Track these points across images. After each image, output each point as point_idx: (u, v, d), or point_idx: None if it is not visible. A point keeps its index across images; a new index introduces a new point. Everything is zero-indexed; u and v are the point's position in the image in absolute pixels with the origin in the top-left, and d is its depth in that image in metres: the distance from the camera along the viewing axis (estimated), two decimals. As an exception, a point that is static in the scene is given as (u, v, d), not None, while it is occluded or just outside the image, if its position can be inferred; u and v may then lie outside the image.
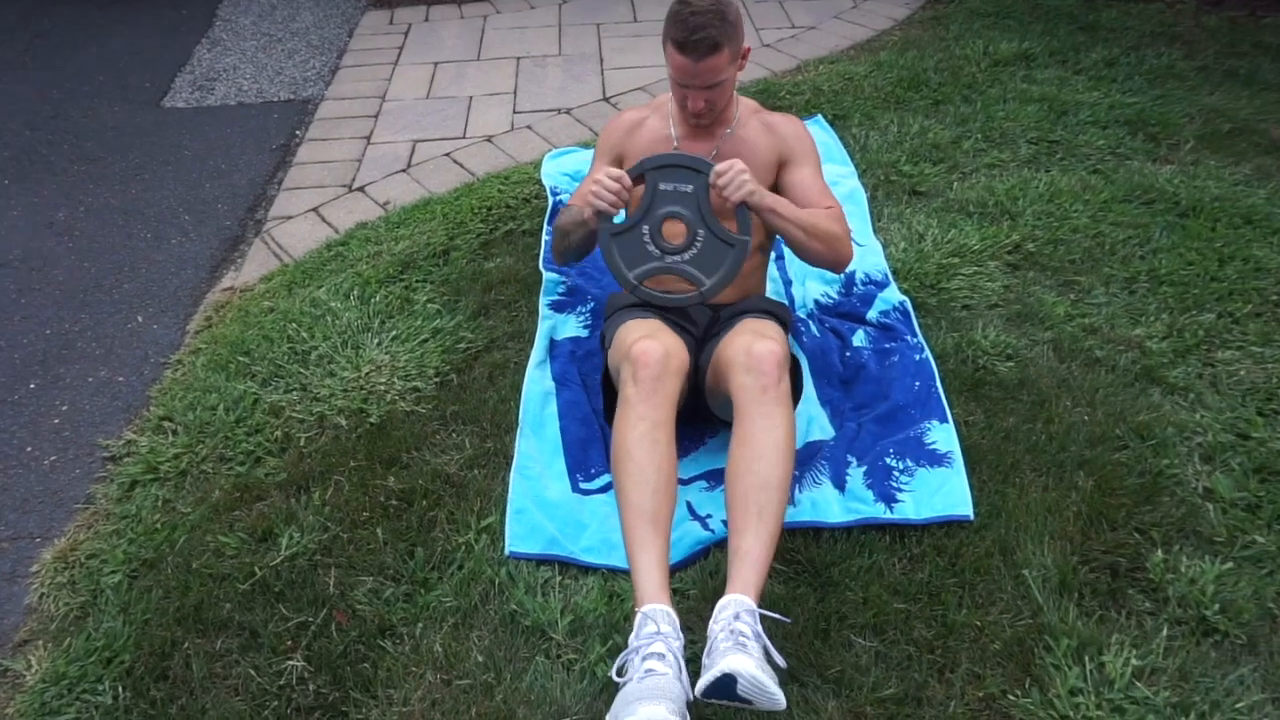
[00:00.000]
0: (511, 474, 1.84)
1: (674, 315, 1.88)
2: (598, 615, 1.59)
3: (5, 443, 2.09)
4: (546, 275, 2.38)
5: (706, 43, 1.67)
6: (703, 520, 1.76)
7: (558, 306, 2.29)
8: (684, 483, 1.85)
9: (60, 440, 2.09)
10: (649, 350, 1.59)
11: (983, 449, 1.86)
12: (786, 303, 2.29)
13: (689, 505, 1.79)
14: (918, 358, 2.07)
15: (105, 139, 3.33)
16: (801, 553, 1.68)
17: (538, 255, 2.48)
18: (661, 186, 1.71)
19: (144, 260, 2.69)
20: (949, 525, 1.71)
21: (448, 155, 3.10)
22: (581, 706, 1.46)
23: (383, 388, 2.08)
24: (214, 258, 2.70)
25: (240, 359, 2.19)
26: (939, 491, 1.76)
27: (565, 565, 1.69)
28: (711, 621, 1.36)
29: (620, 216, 1.78)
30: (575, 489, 1.84)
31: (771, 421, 1.54)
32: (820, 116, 3.07)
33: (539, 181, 2.84)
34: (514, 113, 3.35)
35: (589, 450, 1.91)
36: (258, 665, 1.54)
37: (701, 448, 1.93)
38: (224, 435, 1.99)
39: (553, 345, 2.17)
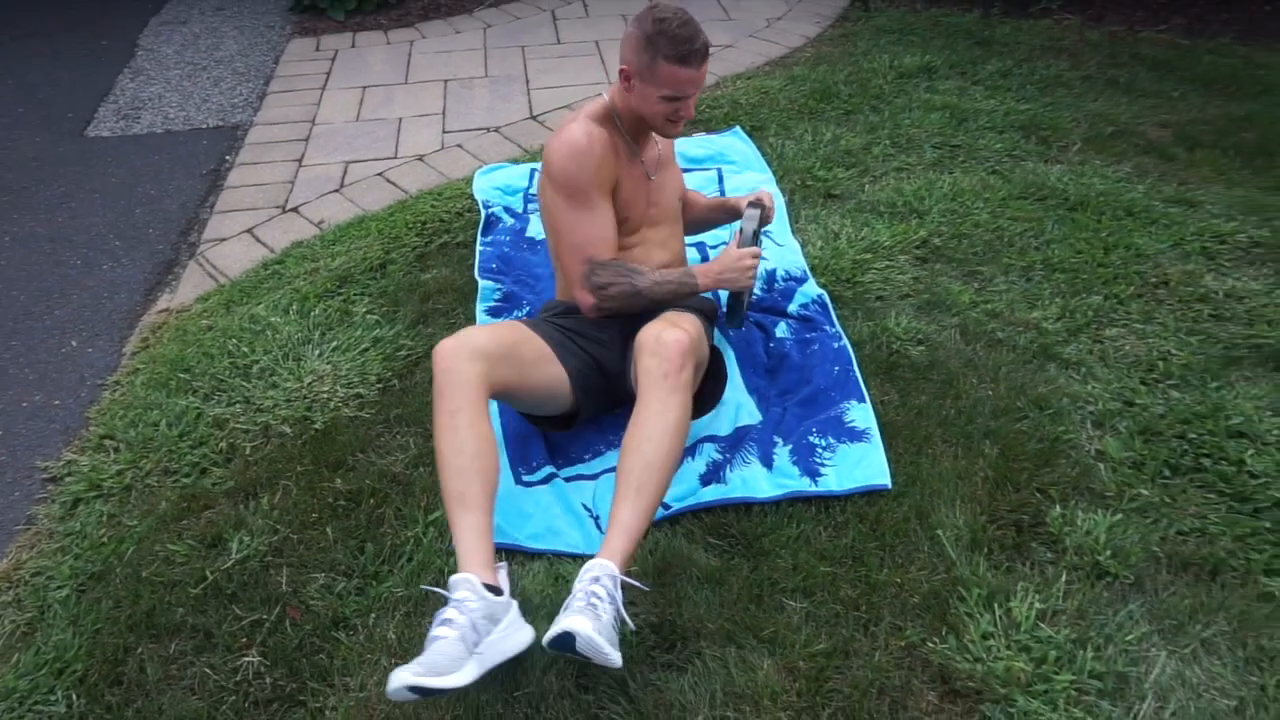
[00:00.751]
0: (456, 470, 1.91)
1: (588, 328, 1.95)
2: (544, 596, 1.67)
3: (-62, 470, 2.08)
4: (482, 283, 2.46)
5: (704, 48, 1.77)
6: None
7: (494, 313, 2.37)
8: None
9: (-4, 465, 2.08)
10: (441, 346, 1.64)
11: (898, 425, 2.01)
12: (714, 297, 2.41)
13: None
14: (836, 345, 2.21)
15: (28, 169, 3.30)
16: (734, 526, 1.79)
17: (473, 265, 2.57)
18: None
19: (75, 286, 2.68)
20: (869, 494, 1.84)
21: (380, 175, 3.16)
22: (532, 681, 1.53)
23: (326, 395, 2.13)
24: (147, 281, 2.71)
25: (181, 376, 2.21)
26: (859, 464, 1.89)
27: (511, 552, 1.77)
28: (575, 580, 1.48)
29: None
30: (518, 481, 1.92)
31: (665, 406, 1.64)
32: (739, 127, 3.23)
33: (471, 196, 2.92)
34: (444, 132, 3.44)
35: (529, 445, 1.99)
36: (213, 664, 1.57)
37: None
38: (168, 449, 2.01)
39: (491, 349, 2.24)
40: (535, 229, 2.73)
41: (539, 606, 1.65)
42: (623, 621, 1.47)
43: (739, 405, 2.07)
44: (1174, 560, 1.71)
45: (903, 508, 1.81)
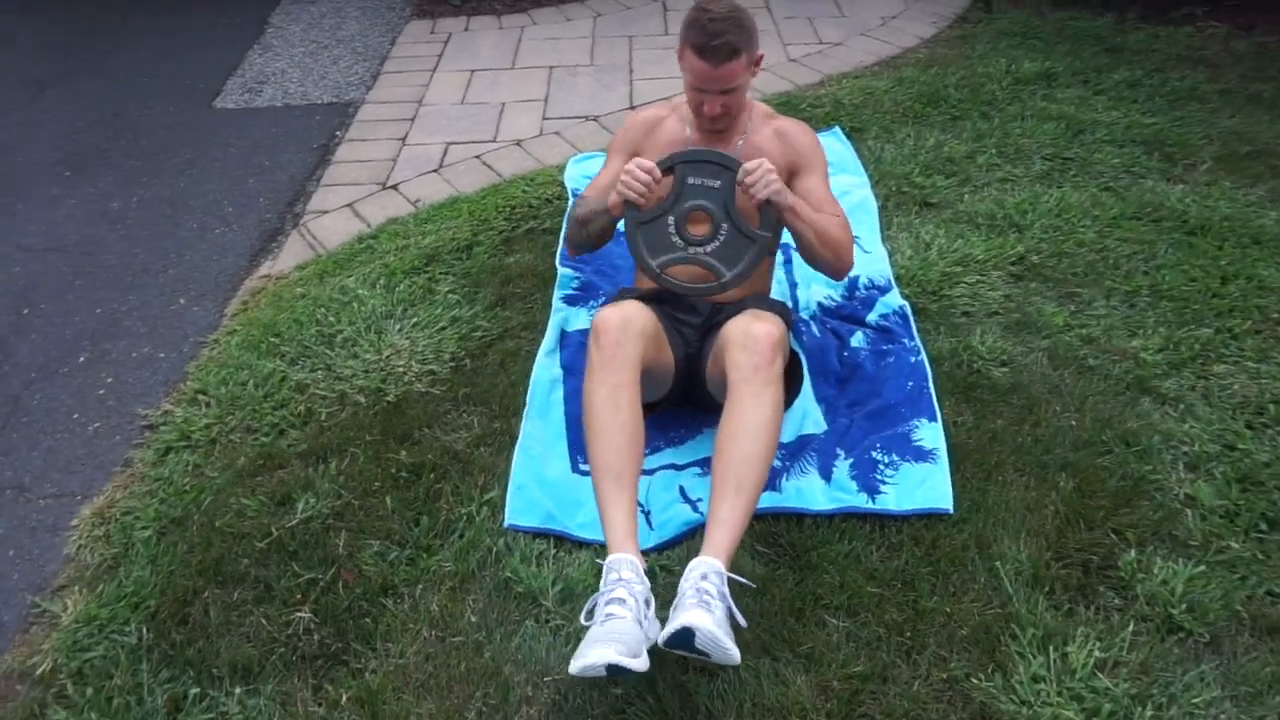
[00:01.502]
0: (515, 452, 1.95)
1: (677, 309, 1.97)
2: (587, 586, 1.69)
3: (55, 410, 2.25)
4: (561, 270, 2.49)
5: (726, 48, 1.74)
6: (693, 504, 1.84)
7: (570, 300, 2.40)
8: (679, 468, 1.94)
9: (104, 409, 2.25)
10: (608, 317, 1.68)
11: (968, 448, 1.93)
12: (790, 304, 2.37)
13: (681, 489, 1.88)
14: (913, 360, 2.14)
15: (160, 136, 3.53)
16: (784, 536, 1.76)
17: (555, 252, 2.60)
18: (690, 180, 1.79)
19: (189, 248, 2.86)
20: (929, 518, 1.78)
21: (478, 158, 3.24)
22: (564, 667, 1.55)
23: (401, 369, 2.20)
24: (253, 247, 2.86)
25: (271, 339, 2.33)
26: (921, 485, 1.82)
27: (560, 539, 1.79)
28: (682, 579, 1.45)
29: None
30: (575, 469, 1.94)
31: (760, 400, 1.61)
32: (838, 128, 3.15)
33: (561, 183, 2.96)
34: (544, 119, 3.49)
35: (590, 435, 2.01)
36: (269, 615, 1.66)
37: (698, 435, 2.01)
38: (252, 408, 2.13)
39: (563, 336, 2.28)
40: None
41: (581, 596, 1.67)
42: (735, 618, 1.44)
43: (805, 413, 2.03)
44: (1259, 623, 1.58)
45: (962, 535, 1.74)
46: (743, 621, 1.44)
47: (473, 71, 3.92)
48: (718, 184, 1.78)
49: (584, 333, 2.28)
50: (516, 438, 1.99)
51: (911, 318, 2.28)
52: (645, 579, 1.46)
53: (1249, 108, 3.25)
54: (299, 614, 1.66)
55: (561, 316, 2.33)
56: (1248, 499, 1.80)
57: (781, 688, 1.50)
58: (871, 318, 2.28)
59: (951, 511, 1.78)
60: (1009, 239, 2.57)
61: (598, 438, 1.59)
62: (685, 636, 1.34)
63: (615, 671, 1.31)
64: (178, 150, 3.42)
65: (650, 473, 1.92)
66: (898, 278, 2.44)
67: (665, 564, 1.73)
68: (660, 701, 1.49)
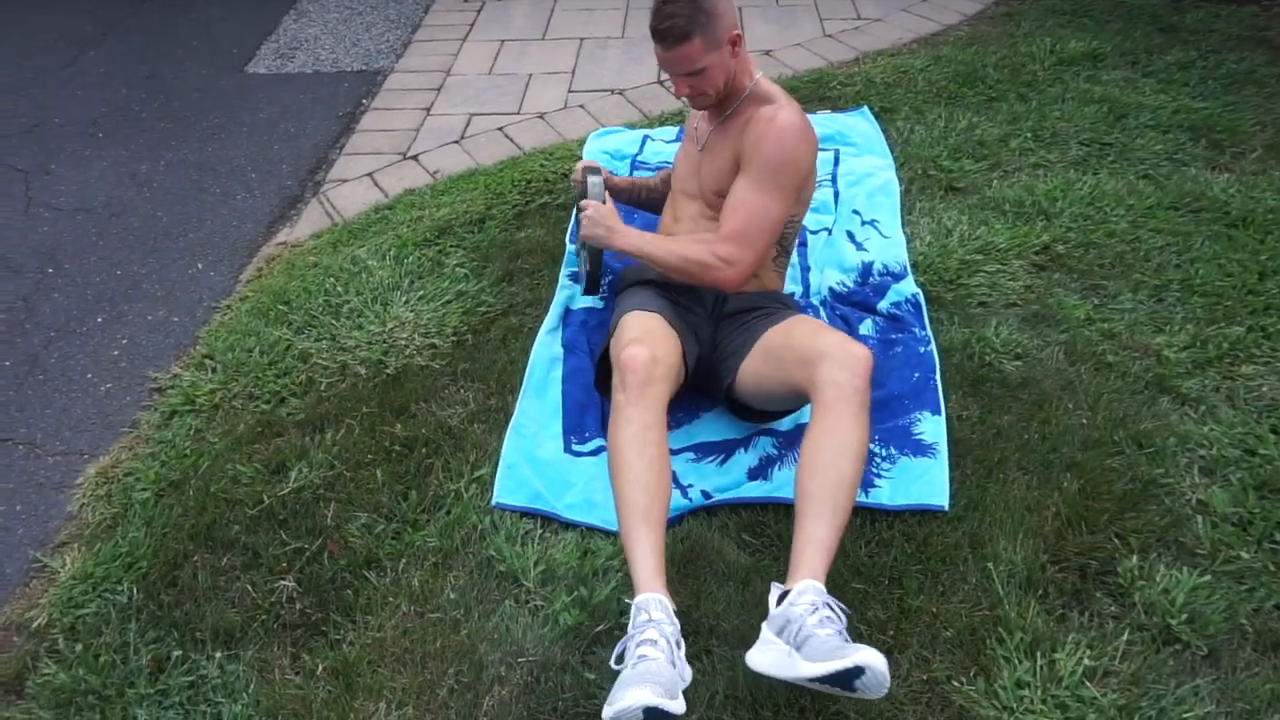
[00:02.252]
0: (508, 431, 1.94)
1: (683, 297, 1.93)
2: (569, 568, 1.68)
3: (70, 369, 2.31)
4: (570, 247, 2.46)
5: (675, 32, 1.72)
6: (683, 489, 1.82)
7: (576, 278, 2.37)
8: (674, 452, 1.91)
9: (117, 370, 2.29)
10: (636, 356, 1.64)
11: (971, 443, 1.87)
12: (803, 288, 2.32)
13: (673, 474, 1.85)
14: (921, 350, 2.07)
15: (191, 99, 3.56)
16: (772, 527, 1.73)
17: (566, 229, 2.57)
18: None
19: (210, 213, 2.89)
20: (922, 514, 1.73)
21: (500, 129, 3.21)
22: (539, 649, 1.55)
23: (403, 342, 2.20)
24: (272, 214, 2.88)
25: (280, 307, 2.35)
26: (918, 481, 1.77)
27: (546, 520, 1.78)
28: (788, 604, 1.37)
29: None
30: (568, 449, 1.92)
31: (857, 422, 1.54)
32: (866, 108, 3.06)
33: (580, 158, 2.92)
34: (569, 91, 3.44)
35: (586, 415, 1.99)
36: (254, 582, 1.68)
37: (695, 420, 1.98)
38: (255, 375, 2.15)
39: (567, 314, 2.25)
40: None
41: (562, 579, 1.66)
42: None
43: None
44: (1264, 638, 1.51)
45: (956, 533, 1.69)
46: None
47: (503, 42, 3.88)
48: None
49: (588, 311, 2.26)
50: (511, 415, 1.98)
51: (924, 306, 2.21)
52: (675, 619, 1.40)
53: (1309, 93, 3.08)
54: (283, 582, 1.67)
55: (566, 294, 2.30)
56: (1264, 507, 1.72)
57: (755, 680, 1.48)
58: (883, 305, 2.22)
59: (946, 508, 1.73)
60: (1035, 227, 2.47)
61: (624, 476, 1.54)
62: (849, 675, 1.24)
63: (653, 715, 1.24)
64: (207, 114, 3.45)
65: (643, 455, 1.90)
66: (914, 265, 2.36)
67: (650, 549, 1.71)
68: (631, 688, 1.47)
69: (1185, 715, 1.41)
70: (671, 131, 3.01)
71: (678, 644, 1.38)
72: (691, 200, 1.98)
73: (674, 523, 1.76)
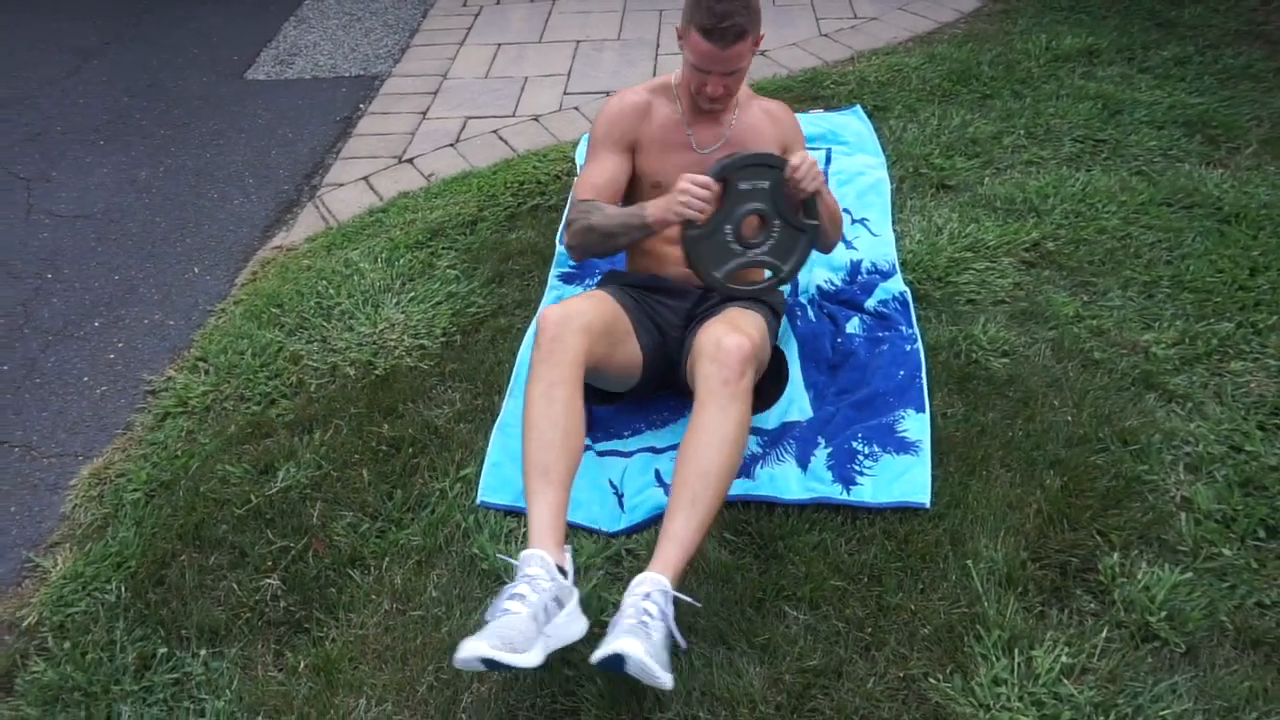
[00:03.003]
0: (494, 430, 1.95)
1: (669, 296, 1.94)
2: (550, 566, 1.68)
3: (67, 372, 2.34)
4: (560, 248, 2.48)
5: (734, 30, 1.70)
6: (668, 488, 1.82)
7: (567, 279, 2.38)
8: (657, 451, 1.92)
9: (112, 373, 2.32)
10: (548, 315, 1.66)
11: (954, 441, 1.86)
12: (791, 286, 2.32)
13: (657, 473, 1.86)
14: (908, 348, 2.07)
15: (191, 106, 3.60)
16: (753, 525, 1.73)
17: (557, 231, 2.59)
18: (741, 185, 1.75)
19: (207, 217, 2.92)
20: (904, 512, 1.73)
21: (495, 132, 3.23)
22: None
23: (393, 344, 2.22)
24: (268, 218, 2.91)
25: (273, 310, 2.38)
26: (900, 478, 1.77)
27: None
28: (626, 593, 1.42)
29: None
30: (552, 449, 1.93)
31: (725, 415, 1.57)
32: (859, 106, 3.06)
33: (572, 159, 2.94)
34: (564, 94, 3.46)
35: (571, 415, 2.00)
36: (240, 581, 1.70)
37: (680, 420, 1.99)
38: (247, 377, 2.17)
39: (555, 315, 2.26)
40: (627, 197, 2.71)
41: (543, 575, 1.67)
42: (674, 639, 1.42)
43: (791, 401, 1.99)
44: (1244, 635, 1.51)
45: (937, 531, 1.69)
46: (683, 643, 1.43)
47: (499, 45, 3.90)
48: (766, 184, 1.76)
49: (576, 311, 2.27)
50: (498, 415, 1.99)
51: (911, 304, 2.21)
52: (559, 576, 1.42)
53: (1306, 88, 3.06)
54: (268, 580, 1.69)
55: (555, 295, 2.32)
56: (1248, 504, 1.71)
57: (733, 678, 1.49)
58: (870, 303, 2.22)
59: (928, 506, 1.73)
60: (1025, 224, 2.47)
61: (530, 434, 1.57)
62: (616, 662, 1.32)
63: (494, 666, 1.28)
64: (207, 121, 3.49)
65: (628, 455, 1.91)
66: (903, 263, 2.36)
67: (632, 548, 1.73)
68: (609, 683, 1.48)
69: (1162, 713, 1.40)
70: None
71: (557, 600, 1.40)
72: None
73: (656, 519, 1.76)
